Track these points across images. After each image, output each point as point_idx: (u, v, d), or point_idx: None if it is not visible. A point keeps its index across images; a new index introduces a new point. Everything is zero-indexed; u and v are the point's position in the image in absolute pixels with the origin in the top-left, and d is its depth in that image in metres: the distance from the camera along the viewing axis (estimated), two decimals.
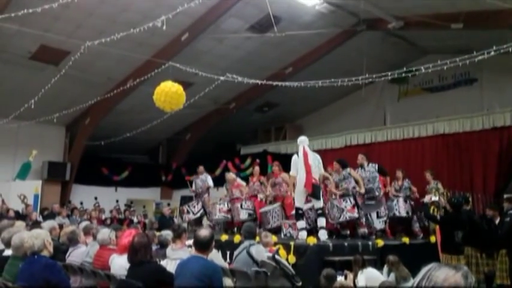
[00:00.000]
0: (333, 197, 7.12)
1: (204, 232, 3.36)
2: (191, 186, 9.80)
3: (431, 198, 7.50)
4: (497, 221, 6.56)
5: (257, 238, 4.98)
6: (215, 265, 3.31)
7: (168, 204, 13.67)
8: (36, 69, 10.16)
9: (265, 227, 7.39)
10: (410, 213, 7.78)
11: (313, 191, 6.37)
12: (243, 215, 7.87)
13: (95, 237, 4.74)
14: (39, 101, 8.98)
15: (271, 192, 8.01)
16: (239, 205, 8.01)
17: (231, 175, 9.08)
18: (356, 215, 6.74)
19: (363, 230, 6.97)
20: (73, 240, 4.82)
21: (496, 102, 9.85)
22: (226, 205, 8.33)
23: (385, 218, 7.35)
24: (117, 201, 13.43)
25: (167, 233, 5.13)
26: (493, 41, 6.59)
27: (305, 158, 6.41)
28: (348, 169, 7.26)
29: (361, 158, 7.76)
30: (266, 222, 7.44)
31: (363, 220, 7.08)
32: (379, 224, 7.27)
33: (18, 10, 6.26)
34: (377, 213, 7.25)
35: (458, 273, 1.13)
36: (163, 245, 4.94)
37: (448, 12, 8.65)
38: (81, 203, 12.49)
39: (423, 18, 8.87)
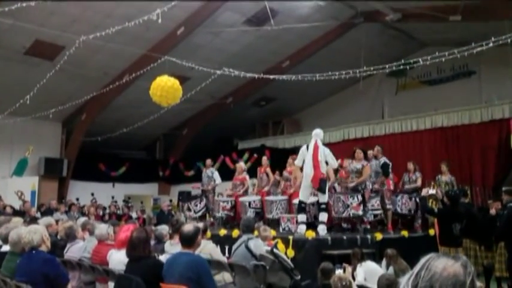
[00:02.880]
0: (341, 190, 7.06)
1: (188, 227, 3.37)
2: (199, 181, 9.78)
3: (428, 192, 7.46)
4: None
5: (255, 232, 4.97)
6: (201, 258, 3.33)
7: (171, 201, 13.60)
8: (31, 65, 10.08)
9: (267, 216, 7.51)
10: (413, 212, 7.57)
11: (320, 185, 6.31)
12: (250, 213, 7.82)
13: (91, 233, 4.72)
14: (35, 97, 8.92)
15: (278, 180, 8.11)
16: (247, 203, 7.96)
17: (240, 165, 8.94)
18: (360, 212, 6.67)
19: (365, 227, 6.93)
20: (71, 236, 4.79)
21: (495, 94, 9.85)
22: (229, 204, 8.28)
23: (378, 212, 7.23)
24: (112, 197, 13.37)
25: (163, 228, 5.12)
26: (491, 32, 6.57)
27: (315, 152, 6.31)
28: (366, 163, 7.08)
29: (377, 150, 7.57)
30: (268, 211, 7.52)
31: (365, 218, 6.99)
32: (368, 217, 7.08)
33: (12, 4, 6.20)
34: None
35: (458, 263, 1.12)
36: (159, 239, 4.93)
37: (446, 4, 8.60)
38: (77, 199, 12.32)
39: (421, 10, 8.83)
